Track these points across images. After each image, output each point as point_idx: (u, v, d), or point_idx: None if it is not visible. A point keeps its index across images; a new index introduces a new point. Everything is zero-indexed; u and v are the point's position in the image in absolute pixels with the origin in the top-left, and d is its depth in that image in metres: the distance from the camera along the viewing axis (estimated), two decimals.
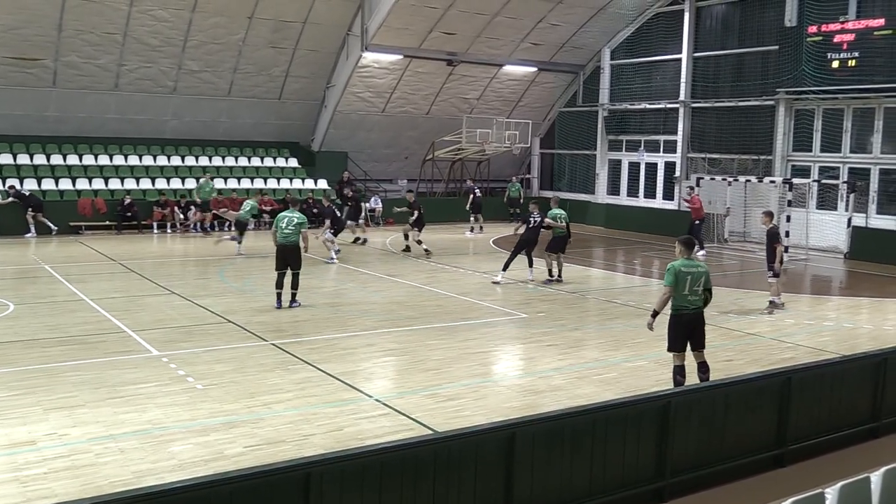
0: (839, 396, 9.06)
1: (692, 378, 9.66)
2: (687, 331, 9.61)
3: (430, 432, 8.26)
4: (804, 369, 9.16)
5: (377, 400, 9.64)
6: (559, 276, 18.62)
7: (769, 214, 16.02)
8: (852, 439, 9.12)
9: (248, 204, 22.81)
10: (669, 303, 9.63)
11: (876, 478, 5.69)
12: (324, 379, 10.43)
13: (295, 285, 14.96)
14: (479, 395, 10.02)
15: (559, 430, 6.96)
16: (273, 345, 12.10)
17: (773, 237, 15.55)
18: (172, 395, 9.60)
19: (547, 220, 18.29)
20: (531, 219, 18.17)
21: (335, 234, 21.40)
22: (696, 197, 24.76)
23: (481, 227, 28.61)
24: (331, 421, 8.85)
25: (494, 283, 18.12)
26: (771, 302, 15.80)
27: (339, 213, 21.87)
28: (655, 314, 9.78)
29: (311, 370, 10.81)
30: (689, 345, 9.69)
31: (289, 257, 14.84)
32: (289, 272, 14.87)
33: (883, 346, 11.43)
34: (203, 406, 9.24)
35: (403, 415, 9.11)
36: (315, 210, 28.74)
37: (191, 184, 28.19)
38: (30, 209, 24.37)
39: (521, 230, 18.45)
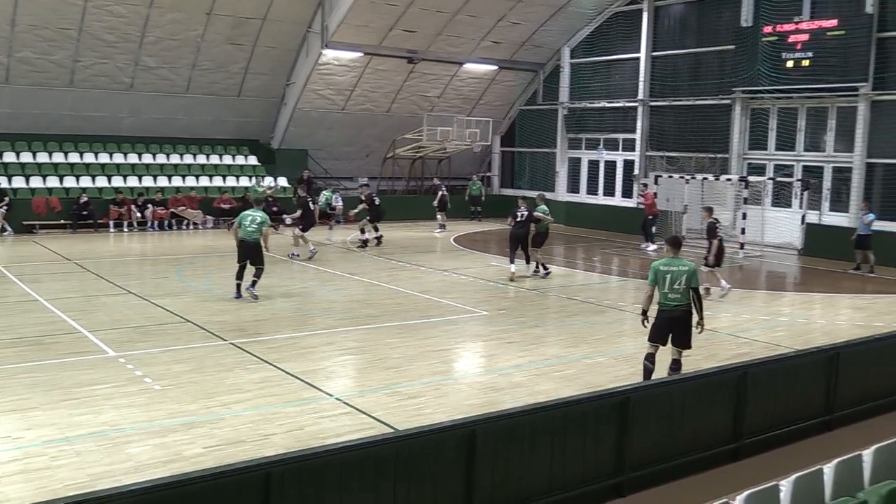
0: (793, 390, 9.23)
1: (662, 370, 9.87)
2: (667, 327, 9.83)
3: (391, 431, 8.25)
4: (759, 364, 9.31)
5: (338, 399, 9.61)
6: (536, 269, 19.08)
7: (709, 210, 16.59)
8: (806, 432, 9.30)
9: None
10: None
11: (829, 469, 5.80)
12: (284, 378, 10.37)
13: (257, 276, 15.52)
14: (440, 392, 10.04)
15: (519, 428, 6.99)
16: (232, 344, 12.00)
17: (711, 231, 15.98)
18: (129, 396, 9.47)
19: (536, 213, 18.69)
20: (518, 213, 18.49)
21: (304, 231, 21.17)
22: (650, 193, 25.21)
23: (443, 226, 28.61)
24: (291, 420, 8.80)
25: (512, 274, 18.36)
26: (705, 289, 16.17)
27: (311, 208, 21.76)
28: (644, 312, 10.00)
29: (271, 369, 10.74)
30: (670, 339, 9.91)
31: (249, 253, 15.46)
32: (249, 266, 15.49)
33: (835, 341, 11.66)
34: (161, 407, 9.13)
35: (364, 413, 9.09)
36: (275, 208, 28.60)
37: (148, 181, 27.84)
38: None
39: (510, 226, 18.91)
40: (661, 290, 9.77)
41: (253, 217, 15.62)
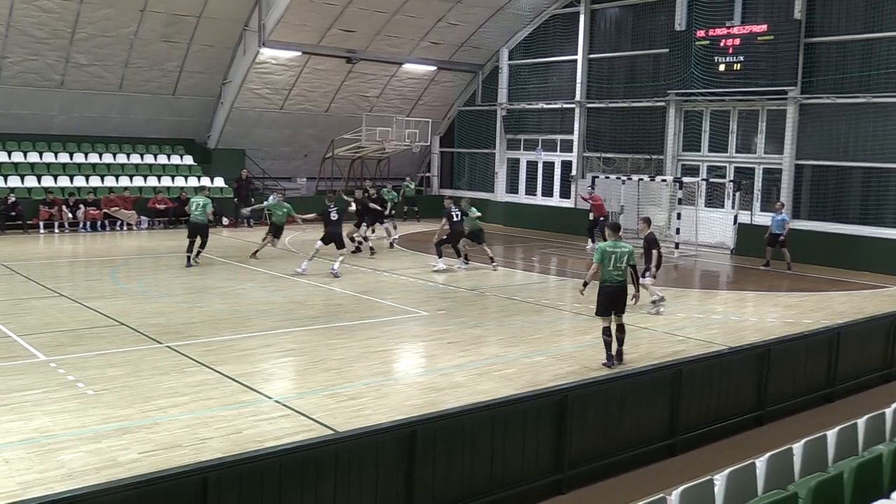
0: (727, 387, 9.46)
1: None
2: (612, 300, 11.33)
3: (331, 432, 8.20)
4: (694, 361, 9.52)
5: (277, 401, 9.51)
6: (466, 260, 20.50)
7: (647, 221, 16.69)
8: (739, 427, 9.54)
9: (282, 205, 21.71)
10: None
11: (761, 463, 5.95)
12: (221, 381, 10.23)
13: (203, 246, 19.41)
14: (381, 393, 10.01)
15: (459, 427, 7.03)
16: (168, 347, 11.79)
17: (651, 243, 15.99)
18: (61, 401, 9.24)
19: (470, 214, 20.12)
20: (454, 213, 19.60)
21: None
22: (598, 195, 25.45)
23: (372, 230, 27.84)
24: (229, 424, 8.69)
25: (435, 272, 19.42)
26: (653, 302, 16.21)
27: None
28: (585, 284, 11.69)
29: (209, 372, 10.58)
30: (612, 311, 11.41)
31: (198, 231, 19.15)
32: (198, 242, 19.23)
33: (767, 338, 11.95)
34: (94, 412, 8.92)
35: (304, 415, 9.02)
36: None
37: (80, 181, 27.19)
38: None
39: (447, 226, 19.86)
40: (606, 268, 11.26)
41: (198, 202, 19.40)
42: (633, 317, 14.99)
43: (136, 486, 5.27)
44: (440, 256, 19.88)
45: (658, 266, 16.26)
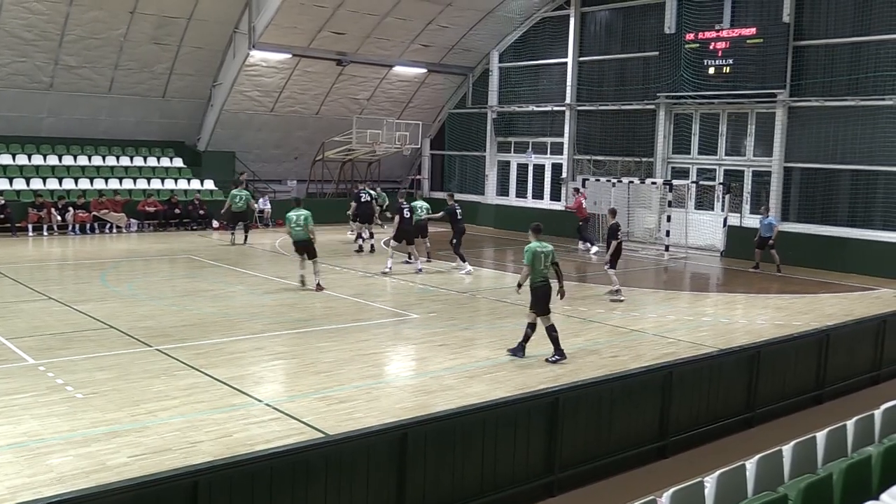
0: (717, 389, 9.48)
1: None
2: (547, 297, 11.73)
3: (322, 436, 8.19)
4: (684, 363, 9.55)
5: (267, 404, 9.49)
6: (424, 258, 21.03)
7: (612, 212, 17.79)
8: (729, 429, 9.57)
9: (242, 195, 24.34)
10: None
11: (751, 465, 5.97)
12: (211, 384, 10.20)
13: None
14: (372, 396, 10.00)
15: (450, 430, 7.02)
16: (158, 350, 11.75)
17: (612, 233, 16.87)
18: (50, 405, 9.19)
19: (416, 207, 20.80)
20: (404, 210, 19.96)
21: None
22: (579, 198, 25.61)
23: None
24: (219, 427, 8.66)
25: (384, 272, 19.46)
26: (616, 290, 16.95)
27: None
28: (520, 286, 11.93)
29: (199, 375, 10.55)
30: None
31: (304, 248, 17.16)
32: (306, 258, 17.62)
33: (756, 340, 11.99)
34: (84, 416, 8.88)
35: (294, 419, 9.00)
36: (202, 211, 28.15)
37: (69, 184, 27.08)
38: None
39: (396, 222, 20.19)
40: (538, 268, 11.66)
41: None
42: (625, 319, 15.07)
43: (126, 489, 5.25)
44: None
45: (614, 258, 16.99)
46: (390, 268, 19.48)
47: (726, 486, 5.61)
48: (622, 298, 16.92)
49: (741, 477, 5.84)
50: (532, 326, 11.86)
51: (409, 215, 19.89)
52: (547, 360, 11.67)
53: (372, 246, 23.32)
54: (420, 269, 19.88)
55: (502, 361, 11.81)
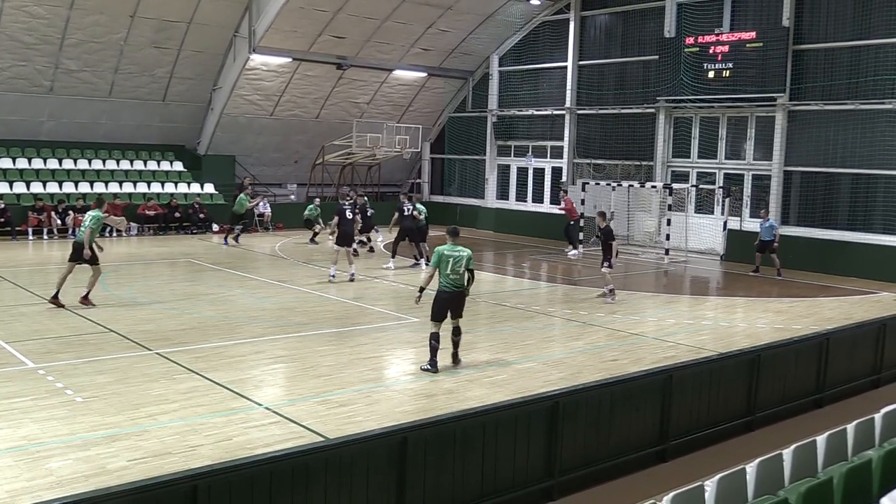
0: (717, 392, 9.48)
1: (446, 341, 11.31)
2: (446, 305, 11.14)
3: (322, 439, 8.18)
4: (684, 367, 9.53)
5: (267, 408, 9.48)
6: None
7: (602, 215, 17.90)
8: (729, 433, 9.56)
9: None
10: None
11: (751, 469, 5.96)
12: (211, 388, 10.19)
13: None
14: (371, 400, 9.99)
15: (450, 434, 7.02)
16: (158, 354, 11.74)
17: (608, 235, 17.27)
18: (50, 408, 9.18)
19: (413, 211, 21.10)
20: (405, 208, 20.46)
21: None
22: (568, 199, 25.66)
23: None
24: (219, 431, 8.65)
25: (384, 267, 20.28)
26: (610, 290, 17.08)
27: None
28: (422, 290, 11.37)
29: (198, 379, 10.54)
30: (449, 314, 11.23)
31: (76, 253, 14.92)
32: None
33: (756, 344, 11.99)
34: (83, 419, 8.88)
35: (294, 422, 8.99)
36: (202, 215, 28.15)
37: (69, 188, 27.09)
38: None
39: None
40: (444, 272, 11.09)
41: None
42: (625, 322, 15.06)
43: (126, 493, 5.24)
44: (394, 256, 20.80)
45: (615, 255, 17.31)
46: (391, 266, 20.23)
47: (726, 490, 5.60)
48: (613, 301, 16.96)
49: (741, 481, 5.83)
50: (436, 337, 11.16)
51: (408, 213, 20.35)
52: (421, 367, 11.31)
53: (371, 247, 23.56)
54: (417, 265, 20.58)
55: (502, 365, 11.80)
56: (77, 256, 14.73)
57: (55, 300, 14.71)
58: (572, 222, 25.53)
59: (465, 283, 11.21)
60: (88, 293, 14.92)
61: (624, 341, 13.59)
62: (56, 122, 27.81)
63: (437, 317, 11.17)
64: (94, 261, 14.79)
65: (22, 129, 27.35)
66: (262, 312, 15.25)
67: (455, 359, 11.55)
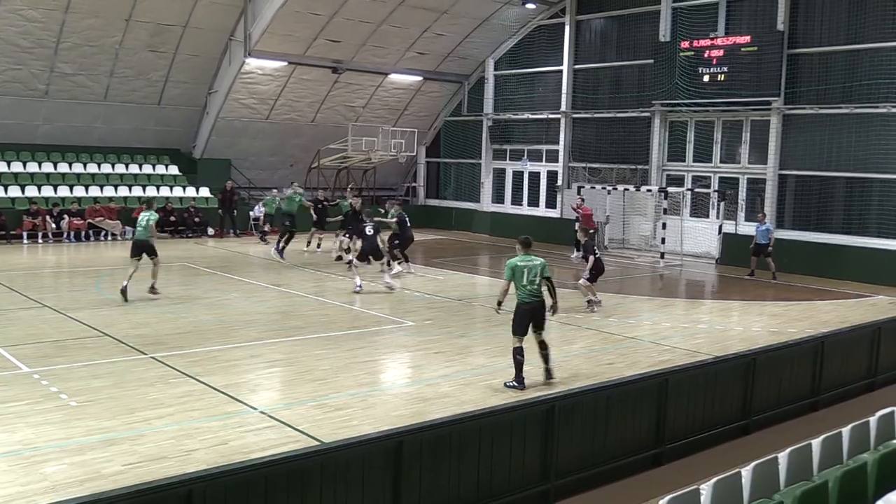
0: (712, 396, 9.48)
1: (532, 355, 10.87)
2: (527, 318, 10.75)
3: (317, 443, 8.17)
4: (680, 371, 9.55)
5: (262, 412, 9.47)
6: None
7: (584, 230, 18.37)
8: (725, 436, 9.56)
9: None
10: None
11: (747, 472, 5.97)
12: (207, 392, 10.17)
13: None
14: (367, 404, 9.99)
15: (446, 438, 7.01)
16: (153, 358, 11.72)
17: (588, 249, 16.89)
18: (45, 413, 9.16)
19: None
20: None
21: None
22: (587, 207, 25.36)
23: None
24: (214, 435, 8.64)
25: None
26: (588, 302, 16.62)
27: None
28: (500, 303, 11.03)
29: (194, 383, 10.53)
30: (531, 328, 10.81)
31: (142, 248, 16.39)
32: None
33: (752, 347, 12.00)
34: (78, 424, 8.85)
35: (290, 426, 8.98)
36: (197, 219, 28.15)
37: (64, 192, 27.06)
38: None
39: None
40: (519, 283, 10.71)
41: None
42: (621, 326, 15.07)
43: (121, 498, 5.23)
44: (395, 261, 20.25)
45: (598, 271, 16.70)
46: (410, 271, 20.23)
47: (722, 494, 5.60)
48: (597, 310, 16.43)
49: (737, 484, 5.83)
50: (520, 352, 10.74)
51: (371, 233, 18.91)
52: (506, 384, 10.80)
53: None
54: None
55: (498, 368, 11.79)
56: (139, 252, 16.27)
57: (153, 291, 16.43)
58: (591, 231, 24.91)
59: (545, 293, 10.80)
60: (154, 284, 16.41)
61: (619, 345, 13.60)
62: (51, 126, 27.77)
63: (519, 330, 10.76)
64: (155, 252, 16.43)
65: (17, 132, 27.29)
66: (258, 316, 15.24)
67: (549, 374, 10.96)
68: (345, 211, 22.59)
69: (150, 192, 28.73)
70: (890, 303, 18.96)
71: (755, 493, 5.87)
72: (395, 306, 16.58)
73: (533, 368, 11.05)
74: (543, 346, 10.94)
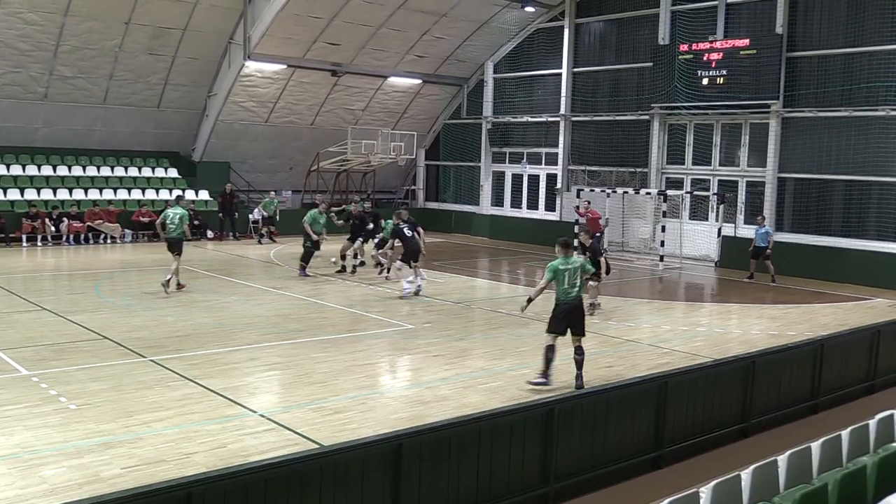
0: (712, 399, 9.48)
1: (565, 355, 10.90)
2: (567, 318, 10.75)
3: (316, 446, 8.16)
4: (679, 373, 9.54)
5: (261, 415, 9.46)
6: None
7: (587, 231, 17.40)
8: (724, 439, 9.56)
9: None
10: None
11: (746, 475, 5.96)
12: (206, 395, 10.17)
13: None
14: (366, 407, 9.98)
15: (445, 441, 7.00)
16: (152, 361, 11.71)
17: (596, 251, 16.52)
18: (43, 416, 9.15)
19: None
20: (405, 230, 18.46)
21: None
22: (595, 210, 25.25)
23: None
24: (213, 438, 8.63)
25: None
26: (590, 304, 16.37)
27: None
28: (530, 300, 10.91)
29: (193, 386, 10.52)
30: (569, 330, 10.80)
31: (174, 246, 17.33)
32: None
33: (751, 350, 11.99)
34: (77, 427, 8.85)
35: (289, 429, 8.98)
36: (196, 221, 28.12)
37: (63, 194, 27.05)
38: None
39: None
40: (561, 286, 10.74)
41: (174, 214, 17.38)
42: (620, 329, 15.07)
43: (120, 501, 5.22)
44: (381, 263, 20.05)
45: (607, 273, 16.49)
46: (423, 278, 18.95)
47: (721, 497, 5.60)
48: (595, 313, 16.33)
49: (736, 487, 5.83)
50: (550, 348, 10.76)
51: (410, 234, 18.51)
52: (529, 382, 10.90)
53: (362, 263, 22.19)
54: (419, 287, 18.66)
55: (498, 371, 11.80)
56: (177, 248, 17.19)
57: (179, 286, 17.32)
58: (598, 234, 24.69)
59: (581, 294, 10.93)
60: (170, 279, 17.01)
61: (619, 348, 13.60)
62: (51, 129, 27.77)
63: (555, 329, 10.75)
64: (181, 251, 17.35)
65: (16, 135, 27.29)
66: (257, 319, 15.23)
67: (579, 380, 10.79)
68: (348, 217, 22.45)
69: (150, 195, 28.72)
70: (889, 305, 18.97)
71: (755, 495, 5.86)
72: (393, 309, 16.58)
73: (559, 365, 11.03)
74: (579, 352, 10.86)
